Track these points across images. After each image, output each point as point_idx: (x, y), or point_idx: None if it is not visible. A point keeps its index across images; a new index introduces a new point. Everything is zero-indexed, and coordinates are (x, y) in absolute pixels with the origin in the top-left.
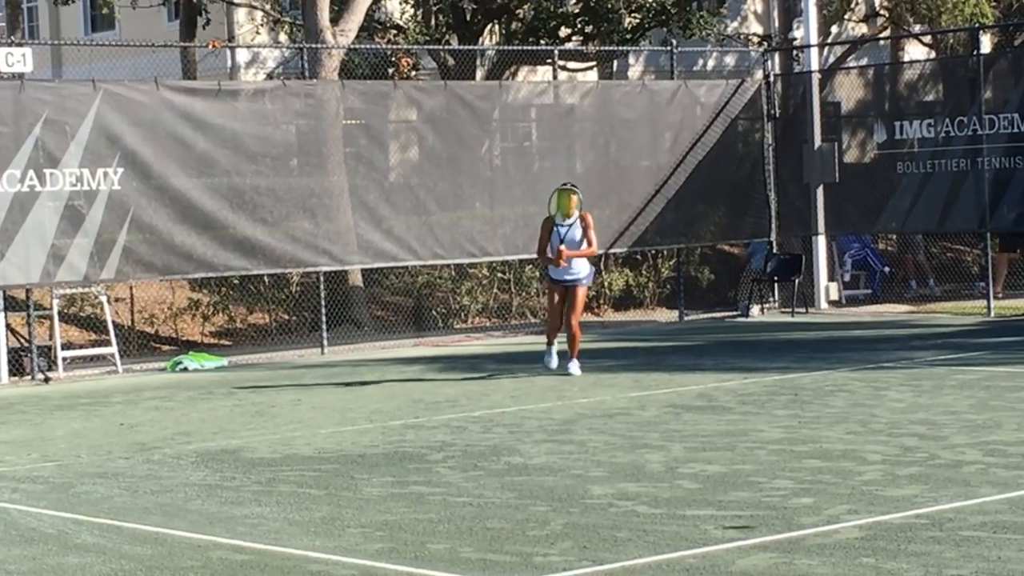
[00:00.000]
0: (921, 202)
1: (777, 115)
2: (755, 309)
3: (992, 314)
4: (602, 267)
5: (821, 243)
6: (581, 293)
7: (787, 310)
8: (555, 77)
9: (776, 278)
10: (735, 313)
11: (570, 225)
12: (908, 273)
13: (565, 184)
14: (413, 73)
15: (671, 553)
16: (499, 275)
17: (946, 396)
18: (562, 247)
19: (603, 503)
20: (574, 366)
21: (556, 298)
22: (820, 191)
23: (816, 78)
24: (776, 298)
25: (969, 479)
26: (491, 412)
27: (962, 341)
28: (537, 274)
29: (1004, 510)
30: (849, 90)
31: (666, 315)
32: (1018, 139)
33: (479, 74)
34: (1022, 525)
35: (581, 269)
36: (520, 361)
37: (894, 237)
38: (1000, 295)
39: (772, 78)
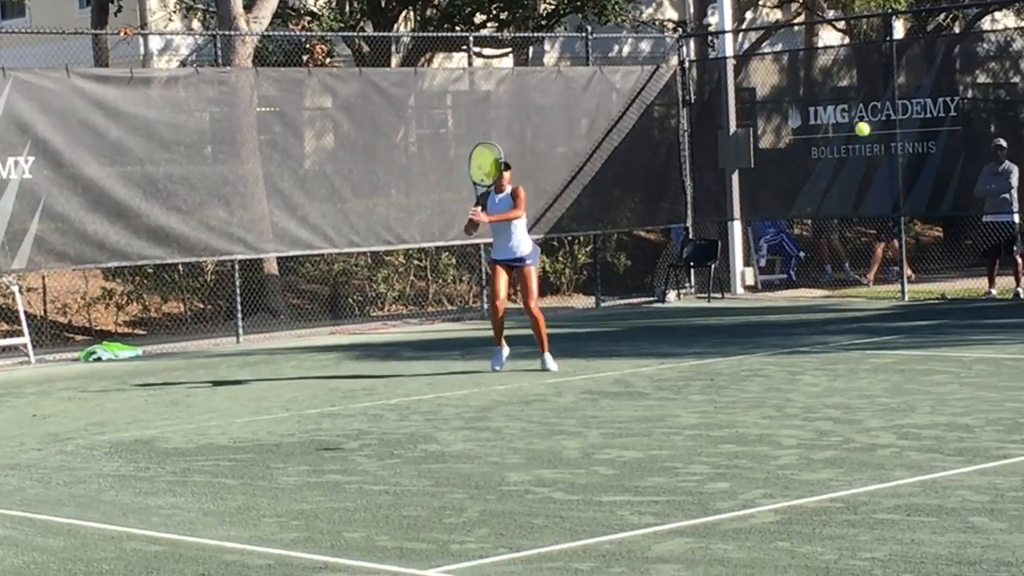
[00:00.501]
0: (835, 187)
1: (692, 101)
2: (671, 295)
3: (906, 298)
4: None
5: (737, 228)
6: (531, 274)
7: (703, 296)
8: (470, 64)
9: (692, 264)
10: (652, 299)
11: (501, 199)
12: (823, 258)
13: (489, 142)
14: (328, 60)
15: (587, 539)
16: (415, 262)
17: (861, 380)
18: (477, 209)
19: (520, 490)
20: (549, 361)
21: (499, 281)
22: (735, 177)
23: (731, 64)
24: (692, 284)
25: (883, 462)
26: (408, 400)
27: (877, 325)
28: (454, 261)
29: (917, 493)
30: (764, 76)
31: (583, 301)
32: (930, 124)
33: (394, 61)
34: (935, 508)
35: (523, 246)
36: (437, 348)
37: (809, 222)
38: (869, 282)
39: (687, 64)
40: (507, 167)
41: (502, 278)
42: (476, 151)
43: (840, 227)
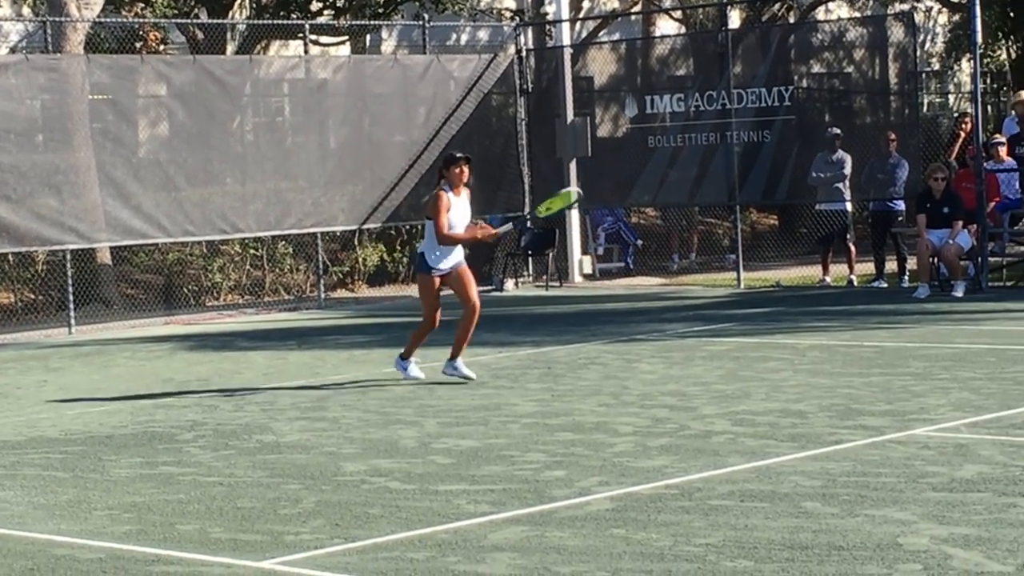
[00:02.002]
0: (672, 175)
1: (530, 90)
2: (509, 283)
3: (742, 286)
4: (356, 242)
5: (575, 217)
6: (466, 273)
7: (541, 284)
8: (307, 51)
9: (530, 252)
10: (490, 288)
11: (544, 215)
12: (673, 247)
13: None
14: (162, 48)
15: (423, 529)
16: (251, 252)
17: (696, 367)
18: (481, 223)
19: (356, 480)
20: (462, 368)
21: (434, 292)
22: (573, 165)
23: (568, 53)
24: (530, 272)
25: (718, 449)
26: (243, 390)
27: (713, 313)
28: (291, 250)
29: (752, 479)
30: (601, 65)
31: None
32: (765, 113)
33: (229, 48)
34: (769, 493)
35: (458, 255)
36: (273, 338)
37: (650, 211)
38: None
39: (525, 53)
40: (468, 160)
41: (436, 291)
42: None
43: (686, 216)
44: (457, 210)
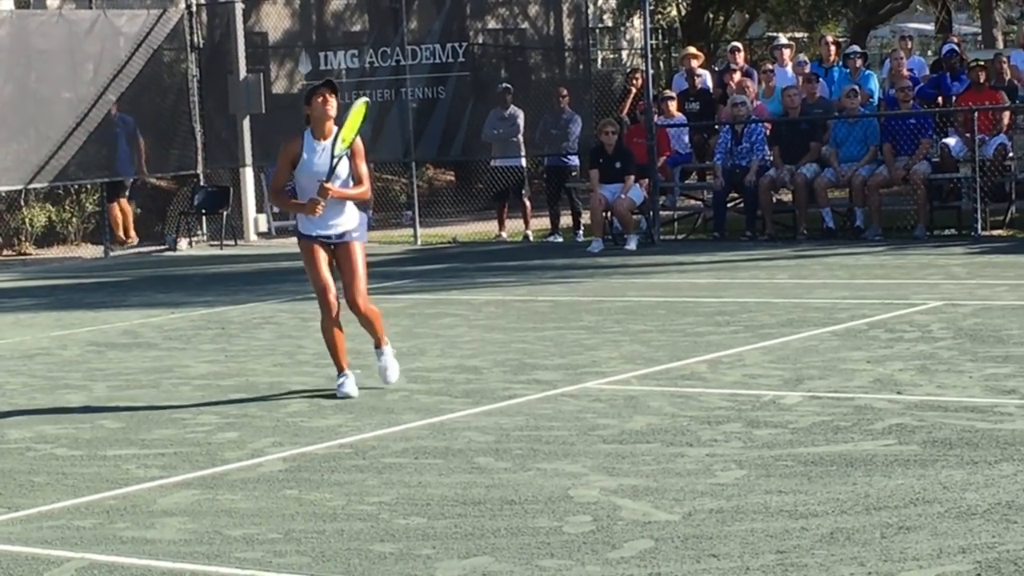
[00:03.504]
0: None
1: (201, 46)
2: (183, 243)
3: (419, 242)
4: (23, 202)
5: (249, 175)
6: (357, 252)
7: (216, 243)
8: None
9: (204, 211)
10: (163, 247)
11: (339, 155)
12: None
13: (322, 92)
14: None
15: (91, 495)
16: None
17: None
18: (327, 183)
19: (20, 447)
20: (388, 364)
21: (318, 261)
22: (247, 122)
23: (240, 8)
24: (205, 231)
25: (393, 407)
26: None
27: (389, 270)
28: None
29: (426, 436)
30: (275, 20)
31: (92, 251)
32: (440, 70)
33: None
34: (442, 450)
35: (348, 217)
36: None
37: None
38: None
39: (195, 8)
40: (331, 88)
41: (321, 258)
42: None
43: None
44: (314, 162)
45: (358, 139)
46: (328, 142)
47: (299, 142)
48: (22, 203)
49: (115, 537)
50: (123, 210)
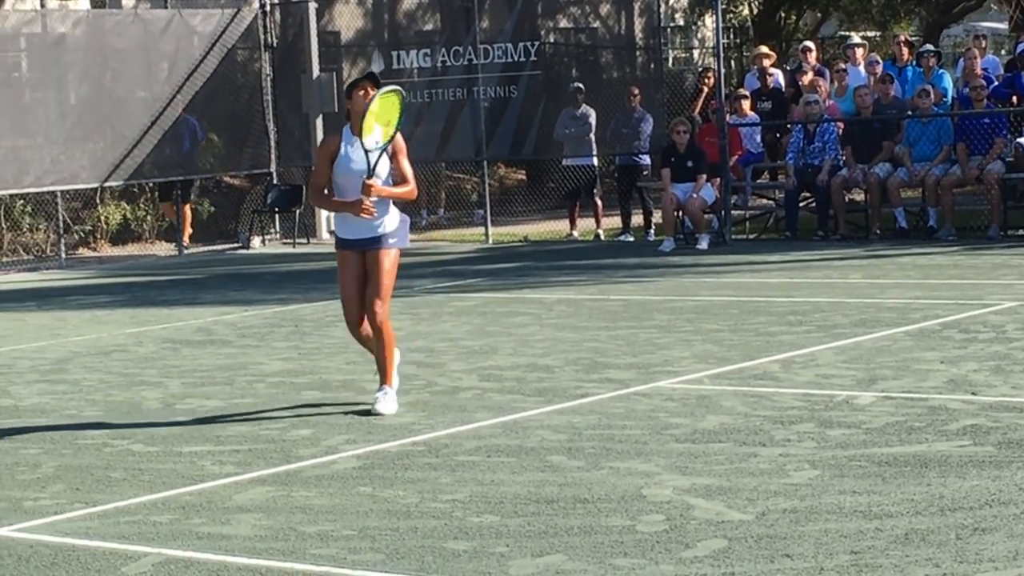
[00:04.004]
0: (420, 131)
1: (275, 45)
2: (256, 241)
3: (490, 241)
4: (98, 200)
5: None
6: (387, 260)
7: (288, 241)
8: (43, 5)
9: (277, 209)
10: (236, 245)
11: (379, 149)
12: (421, 203)
13: (363, 86)
14: None
15: (167, 491)
16: None
17: (444, 323)
18: (371, 181)
19: (97, 443)
20: (385, 398)
21: (349, 275)
22: (320, 121)
23: (313, 7)
24: (277, 229)
25: (465, 405)
26: None
27: (461, 268)
28: (29, 209)
29: (498, 434)
30: (348, 19)
31: (166, 249)
32: (512, 69)
33: None
34: (515, 448)
35: (389, 219)
36: (12, 300)
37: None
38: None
39: (269, 7)
40: (373, 80)
41: (350, 272)
42: (382, 99)
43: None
44: (352, 159)
45: (398, 136)
46: (369, 138)
47: (337, 139)
48: (98, 201)
49: (191, 533)
50: (180, 211)
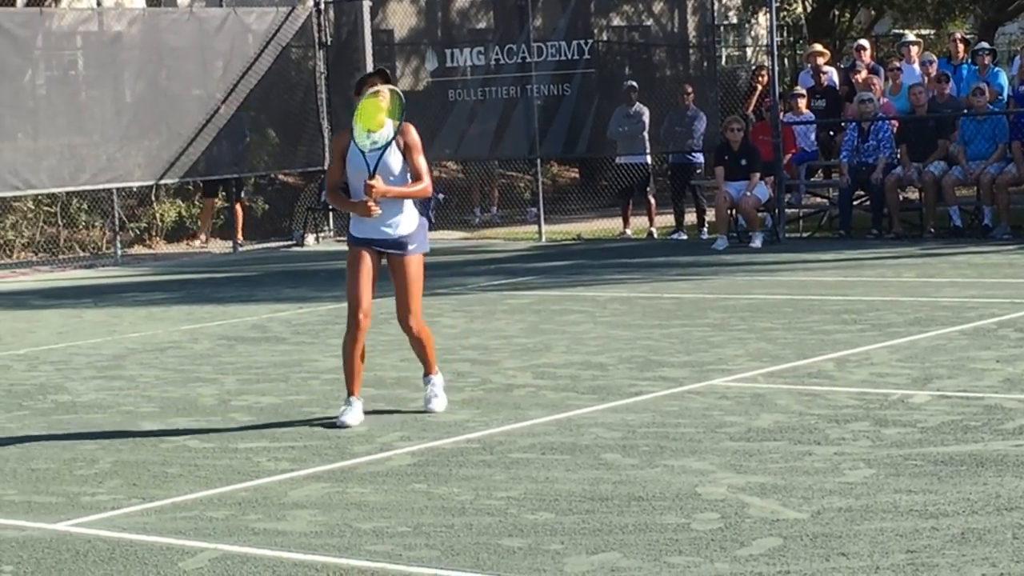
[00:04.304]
0: (473, 129)
1: (329, 43)
2: (310, 238)
3: (543, 239)
4: (153, 198)
5: None
6: (412, 267)
7: (342, 239)
8: (99, 4)
9: (331, 207)
10: (290, 243)
11: (384, 144)
12: (475, 200)
13: (373, 81)
14: None
15: (223, 487)
16: (45, 208)
17: (498, 321)
18: (373, 180)
19: (153, 439)
20: (436, 391)
21: (360, 273)
22: None
23: (367, 5)
24: (331, 227)
25: (519, 402)
26: (37, 349)
27: (514, 266)
28: (85, 206)
29: (552, 431)
30: (402, 17)
31: (220, 246)
32: (565, 67)
33: (20, 0)
34: (569, 446)
35: (405, 220)
36: (68, 296)
37: (451, 164)
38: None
39: (323, 5)
40: (383, 76)
41: (365, 270)
42: (363, 103)
43: (488, 168)
44: (361, 158)
45: (413, 132)
46: (378, 135)
47: (347, 136)
48: (153, 199)
49: (247, 528)
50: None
